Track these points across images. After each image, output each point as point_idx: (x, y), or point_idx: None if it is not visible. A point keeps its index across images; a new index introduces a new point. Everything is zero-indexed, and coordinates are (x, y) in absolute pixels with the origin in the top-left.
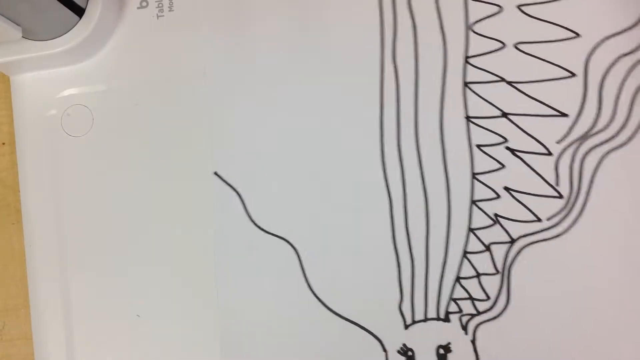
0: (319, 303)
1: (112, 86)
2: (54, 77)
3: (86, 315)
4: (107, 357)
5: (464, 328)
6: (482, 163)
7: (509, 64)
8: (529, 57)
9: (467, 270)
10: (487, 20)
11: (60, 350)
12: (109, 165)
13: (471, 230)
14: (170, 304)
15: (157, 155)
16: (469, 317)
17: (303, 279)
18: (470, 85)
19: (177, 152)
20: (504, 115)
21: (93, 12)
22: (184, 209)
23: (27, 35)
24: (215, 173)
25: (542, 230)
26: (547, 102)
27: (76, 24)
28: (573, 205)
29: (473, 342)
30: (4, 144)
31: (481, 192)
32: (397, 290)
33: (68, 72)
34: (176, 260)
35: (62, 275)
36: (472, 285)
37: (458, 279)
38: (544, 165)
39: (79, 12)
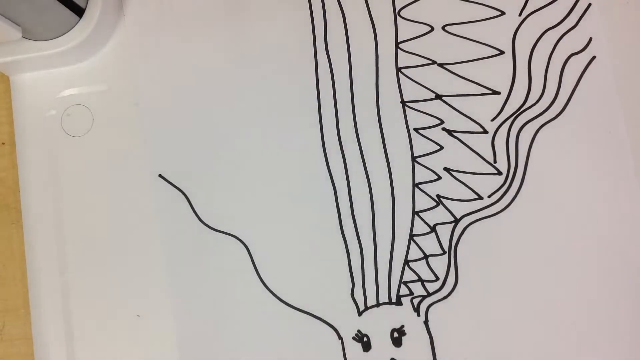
0: (272, 296)
1: (112, 86)
2: (54, 77)
3: (86, 315)
4: (107, 357)
5: (416, 310)
6: (421, 146)
7: (438, 46)
8: (458, 38)
9: (414, 253)
10: (413, 4)
11: (60, 350)
12: (108, 165)
13: (416, 213)
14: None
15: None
16: (420, 299)
17: (255, 274)
18: (403, 70)
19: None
20: (438, 97)
21: (93, 12)
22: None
23: (27, 35)
24: (160, 175)
25: (484, 208)
26: (478, 81)
27: (76, 24)
28: (512, 180)
29: (426, 323)
30: (3, 144)
31: (422, 175)
32: (348, 278)
33: (68, 72)
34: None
35: (62, 275)
36: (421, 267)
37: (407, 262)
38: (481, 143)
39: (79, 12)
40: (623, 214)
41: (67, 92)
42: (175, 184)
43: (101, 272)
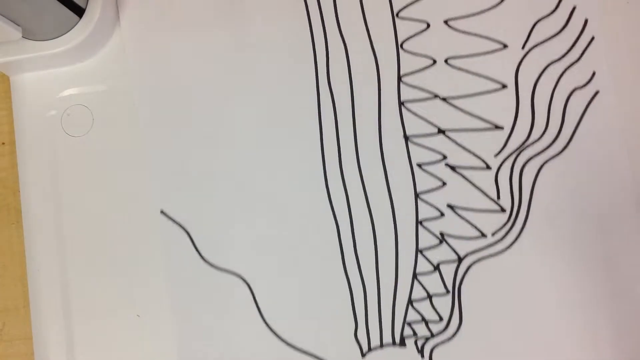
0: (275, 337)
1: (112, 86)
2: (54, 77)
3: (86, 315)
4: (107, 357)
5: (420, 352)
6: (424, 182)
7: (441, 80)
8: (460, 71)
9: (418, 292)
10: (416, 37)
11: (60, 350)
12: (109, 165)
13: (419, 251)
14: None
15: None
16: (424, 340)
17: (257, 313)
18: (406, 104)
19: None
20: (441, 132)
21: (93, 12)
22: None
23: (27, 35)
24: (162, 212)
25: (488, 246)
26: (481, 116)
27: (76, 24)
28: (516, 218)
29: None
30: (3, 144)
31: (426, 212)
32: (352, 318)
33: (68, 72)
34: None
35: (62, 275)
36: (425, 307)
37: (410, 301)
38: (484, 179)
39: (79, 12)
40: (628, 250)
41: (67, 92)
42: (175, 219)
43: (101, 272)
